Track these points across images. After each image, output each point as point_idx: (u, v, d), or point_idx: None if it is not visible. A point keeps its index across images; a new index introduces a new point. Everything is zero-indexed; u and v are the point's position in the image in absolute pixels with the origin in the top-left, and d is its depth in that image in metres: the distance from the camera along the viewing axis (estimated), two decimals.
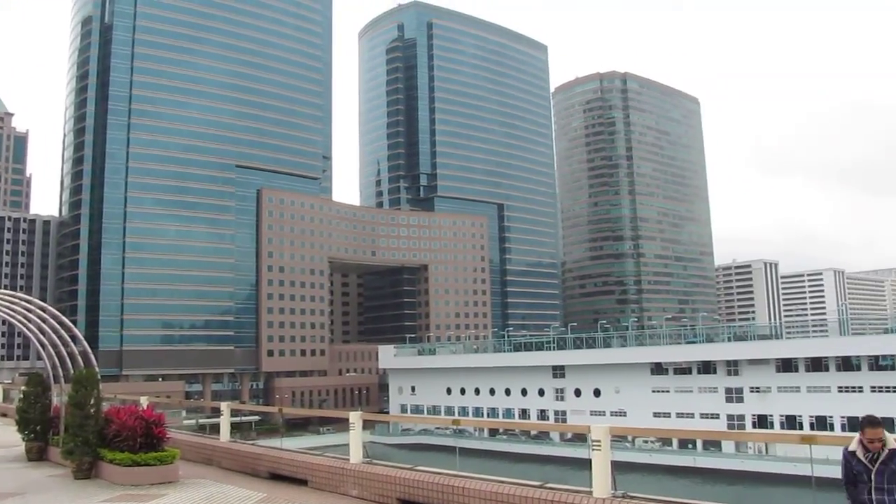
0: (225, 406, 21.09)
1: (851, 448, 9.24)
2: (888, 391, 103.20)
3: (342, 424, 16.93)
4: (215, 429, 21.55)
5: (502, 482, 12.81)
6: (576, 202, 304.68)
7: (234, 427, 22.53)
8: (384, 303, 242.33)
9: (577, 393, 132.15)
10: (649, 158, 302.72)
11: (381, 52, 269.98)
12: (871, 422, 9.16)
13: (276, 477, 17.50)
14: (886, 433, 9.10)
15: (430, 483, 13.54)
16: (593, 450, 11.67)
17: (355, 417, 16.08)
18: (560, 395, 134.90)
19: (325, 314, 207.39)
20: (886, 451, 9.06)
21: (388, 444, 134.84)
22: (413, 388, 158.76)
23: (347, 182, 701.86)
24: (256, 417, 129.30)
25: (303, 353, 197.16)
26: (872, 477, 8.99)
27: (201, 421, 40.17)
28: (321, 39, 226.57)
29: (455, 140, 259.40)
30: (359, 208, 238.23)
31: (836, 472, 9.32)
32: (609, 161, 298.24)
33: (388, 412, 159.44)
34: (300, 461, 17.02)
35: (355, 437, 16.01)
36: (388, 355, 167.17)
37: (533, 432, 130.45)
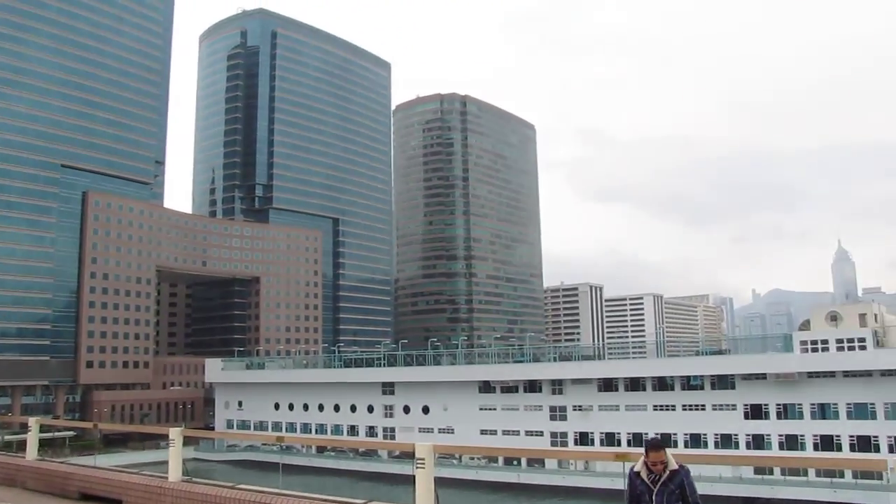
0: (33, 421, 19.83)
1: (637, 469, 9.69)
2: (698, 409, 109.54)
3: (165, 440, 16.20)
4: (23, 446, 20.22)
5: (326, 500, 12.63)
6: (411, 220, 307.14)
7: (46, 444, 21.20)
8: (213, 315, 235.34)
9: (406, 410, 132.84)
10: (485, 181, 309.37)
11: (223, 57, 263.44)
12: (654, 445, 9.68)
13: (88, 497, 16.42)
14: (669, 455, 9.60)
15: (252, 502, 13.17)
16: (417, 467, 11.73)
17: (175, 434, 15.50)
18: (389, 411, 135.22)
19: (150, 325, 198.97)
20: (667, 472, 9.55)
21: (213, 460, 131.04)
22: (240, 403, 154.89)
23: (181, 189, 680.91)
24: (71, 433, 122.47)
25: (125, 364, 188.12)
26: (654, 497, 9.47)
27: (7, 437, 37.70)
28: (160, 39, 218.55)
29: (293, 152, 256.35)
30: (191, 216, 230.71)
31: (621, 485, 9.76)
32: (446, 181, 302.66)
33: (213, 427, 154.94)
34: (114, 480, 16.06)
35: (175, 454, 15.39)
36: (215, 369, 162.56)
37: (361, 449, 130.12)
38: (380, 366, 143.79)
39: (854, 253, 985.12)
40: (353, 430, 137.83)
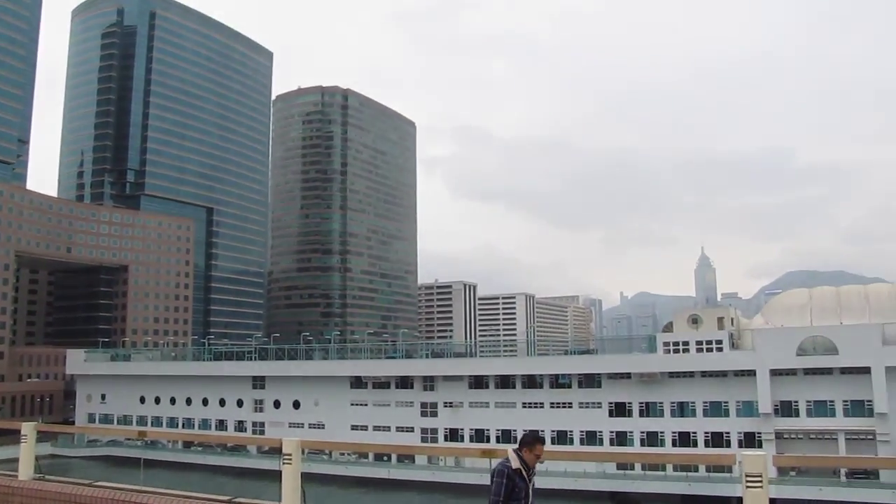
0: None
1: (515, 466, 9.66)
2: (565, 407, 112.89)
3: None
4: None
5: (189, 497, 12.33)
6: (287, 213, 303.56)
7: None
8: (77, 303, 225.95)
9: (277, 404, 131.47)
10: (363, 175, 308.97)
11: (97, 35, 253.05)
12: (541, 439, 9.92)
13: None
14: None
15: (110, 500, 12.61)
16: (284, 463, 11.62)
17: (28, 429, 14.77)
18: (259, 406, 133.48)
19: (6, 313, 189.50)
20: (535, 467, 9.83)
21: (72, 456, 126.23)
22: (103, 397, 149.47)
23: (46, 171, 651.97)
24: None
25: None
26: (530, 492, 9.62)
27: None
28: (29, 12, 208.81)
29: (168, 138, 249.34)
30: (55, 200, 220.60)
31: None
32: (324, 174, 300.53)
33: (73, 422, 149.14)
34: None
35: (26, 451, 14.64)
36: (78, 360, 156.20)
37: (229, 444, 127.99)
38: (251, 359, 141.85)
39: (715, 260, 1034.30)
40: (221, 424, 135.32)
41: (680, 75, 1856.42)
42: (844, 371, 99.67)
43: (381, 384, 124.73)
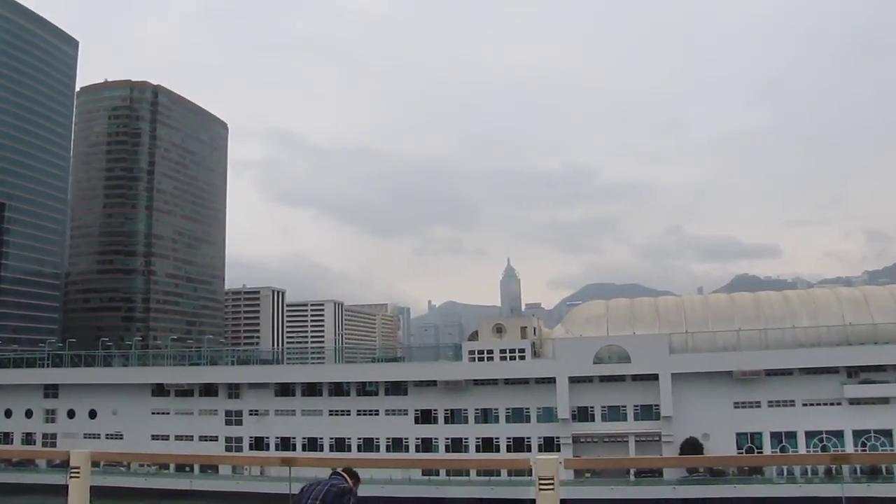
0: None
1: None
2: (372, 414, 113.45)
3: None
4: None
5: None
6: (89, 211, 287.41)
7: None
8: None
9: (71, 414, 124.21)
10: (171, 176, 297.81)
11: None
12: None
13: None
14: None
15: None
16: (71, 477, 11.10)
17: None
18: (51, 416, 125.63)
19: None
20: None
21: None
22: None
23: None
24: None
25: None
26: None
27: None
28: None
29: None
30: None
31: None
32: (129, 173, 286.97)
33: None
34: None
35: None
36: None
37: (14, 459, 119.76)
38: (43, 366, 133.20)
39: (520, 271, 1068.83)
40: (6, 437, 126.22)
41: (492, 89, 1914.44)
42: (636, 378, 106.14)
43: (185, 392, 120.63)
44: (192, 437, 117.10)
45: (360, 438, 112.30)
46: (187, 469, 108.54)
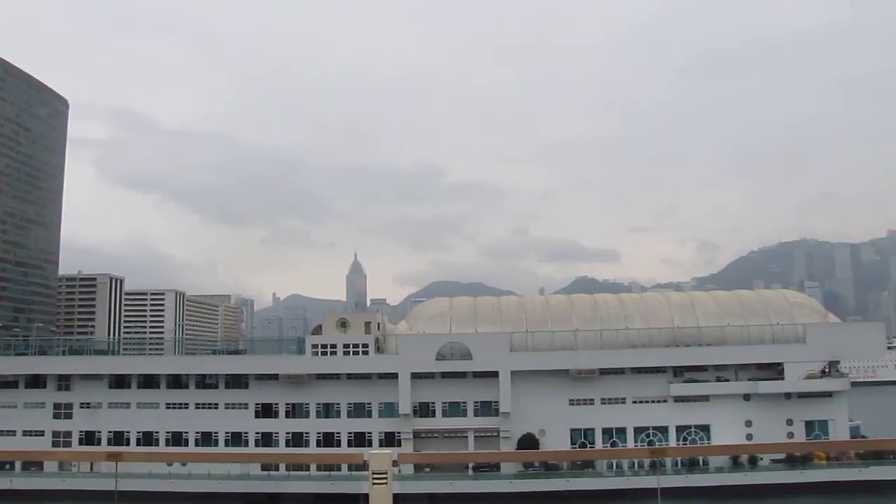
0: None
1: None
2: (211, 408, 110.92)
3: None
4: None
5: None
6: None
7: None
8: None
9: None
10: (2, 152, 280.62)
11: None
12: None
13: None
14: None
15: None
16: None
17: None
18: None
19: None
20: None
21: None
22: None
23: None
24: None
25: None
26: None
27: None
28: None
29: None
30: None
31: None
32: None
33: None
34: None
35: None
36: None
37: None
38: None
39: (367, 266, 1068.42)
40: None
41: (347, 83, 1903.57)
42: (477, 375, 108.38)
43: (8, 384, 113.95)
44: (14, 432, 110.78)
45: (198, 433, 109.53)
46: (7, 467, 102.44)
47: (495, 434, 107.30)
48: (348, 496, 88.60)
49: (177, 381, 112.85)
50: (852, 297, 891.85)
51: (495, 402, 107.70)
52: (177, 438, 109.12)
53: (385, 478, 8.29)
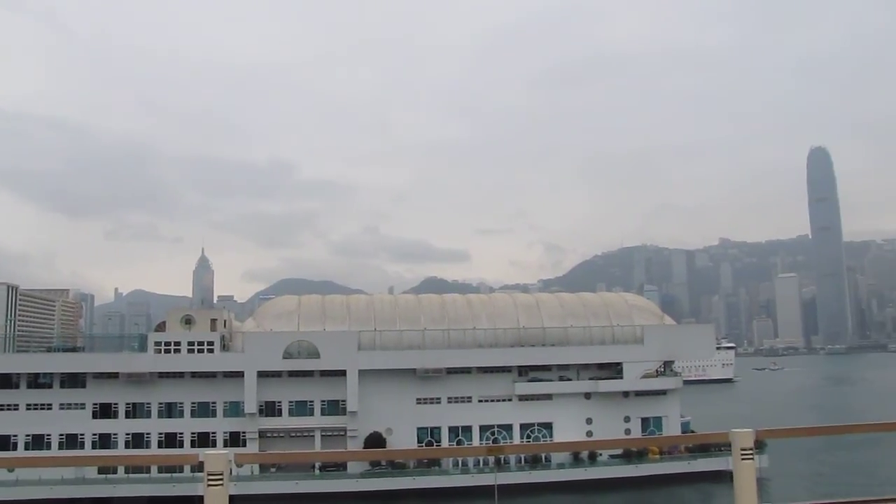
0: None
1: None
2: (44, 409, 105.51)
3: None
4: None
5: None
6: None
7: None
8: None
9: None
10: None
11: None
12: None
13: None
14: None
15: None
16: None
17: None
18: None
19: None
20: None
21: None
22: None
23: None
24: None
25: None
26: None
27: None
28: None
29: None
30: None
31: None
32: None
33: None
34: None
35: None
36: None
37: None
38: None
39: (215, 262, 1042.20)
40: None
41: (198, 72, 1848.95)
42: (324, 373, 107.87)
43: None
44: None
45: (28, 436, 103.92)
46: None
47: (342, 433, 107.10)
48: (183, 499, 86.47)
49: (6, 381, 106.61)
50: (687, 301, 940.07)
51: (343, 400, 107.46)
52: (4, 442, 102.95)
53: (221, 479, 8.13)
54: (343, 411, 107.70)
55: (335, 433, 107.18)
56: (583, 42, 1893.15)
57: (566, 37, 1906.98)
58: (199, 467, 8.01)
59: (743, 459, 8.91)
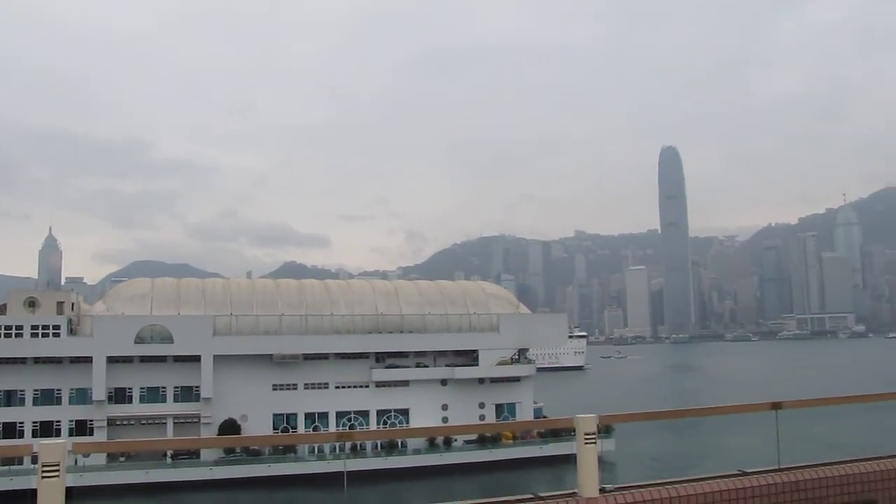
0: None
1: None
2: None
3: None
4: None
5: None
6: None
7: None
8: None
9: None
10: None
11: None
12: None
13: None
14: None
15: None
16: None
17: None
18: None
19: None
20: None
21: None
22: None
23: None
24: None
25: None
26: None
27: None
28: None
29: None
30: None
31: None
32: None
33: None
34: None
35: None
36: None
37: None
38: None
39: (64, 242, 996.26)
40: None
41: (57, 38, 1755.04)
42: (178, 359, 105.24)
43: None
44: None
45: None
46: None
47: (196, 420, 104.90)
48: (20, 493, 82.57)
49: None
50: (542, 290, 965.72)
51: (196, 387, 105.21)
52: None
53: (56, 470, 7.96)
54: (197, 398, 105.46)
55: (188, 420, 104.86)
56: (451, 32, 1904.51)
57: (434, 25, 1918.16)
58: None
59: (586, 443, 9.61)
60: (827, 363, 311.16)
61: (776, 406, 11.51)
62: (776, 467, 10.99)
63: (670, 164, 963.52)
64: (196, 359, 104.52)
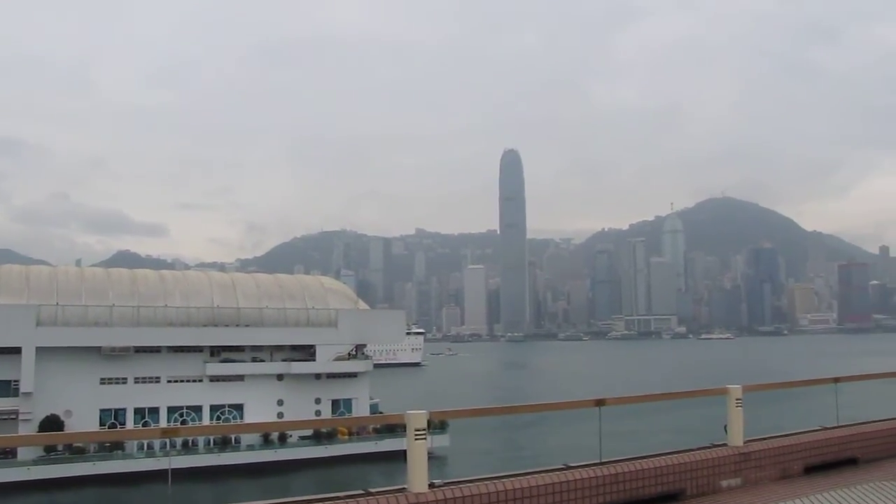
0: None
1: None
2: None
3: None
4: None
5: None
6: None
7: None
8: None
9: None
10: None
11: None
12: None
13: None
14: None
15: None
16: None
17: None
18: None
19: None
20: None
21: None
22: None
23: None
24: None
25: None
26: None
27: None
28: None
29: None
30: None
31: None
32: None
33: None
34: None
35: None
36: None
37: None
38: None
39: None
40: None
41: None
42: None
43: None
44: None
45: None
46: None
47: (14, 416, 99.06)
48: None
49: None
50: (382, 287, 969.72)
51: (15, 381, 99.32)
52: None
53: None
54: (15, 392, 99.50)
55: (5, 417, 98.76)
56: (301, 22, 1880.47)
57: (284, 14, 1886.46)
58: None
59: (416, 439, 10.10)
60: (650, 360, 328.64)
61: (599, 403, 12.45)
62: (598, 461, 11.89)
63: (511, 167, 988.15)
64: (16, 351, 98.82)
